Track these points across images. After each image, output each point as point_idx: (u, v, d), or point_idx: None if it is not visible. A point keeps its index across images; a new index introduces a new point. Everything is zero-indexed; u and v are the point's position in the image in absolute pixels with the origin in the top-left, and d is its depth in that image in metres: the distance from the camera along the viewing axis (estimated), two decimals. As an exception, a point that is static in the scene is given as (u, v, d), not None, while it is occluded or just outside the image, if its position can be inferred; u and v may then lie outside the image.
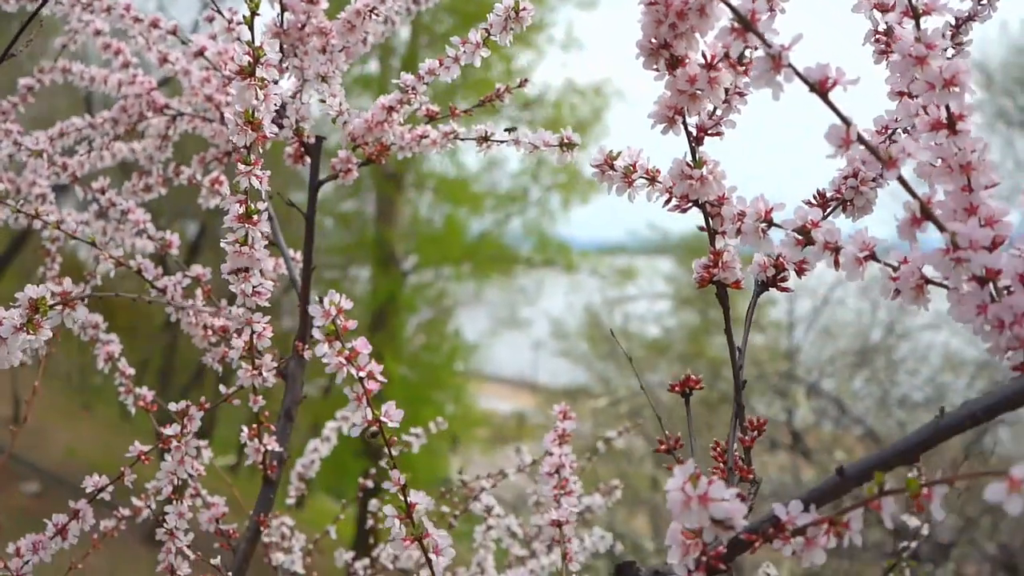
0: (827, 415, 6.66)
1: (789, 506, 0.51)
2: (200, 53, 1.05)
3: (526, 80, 0.99)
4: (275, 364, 0.90)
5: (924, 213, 0.51)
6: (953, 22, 0.69)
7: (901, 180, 0.50)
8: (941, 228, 0.50)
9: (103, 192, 1.12)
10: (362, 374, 0.61)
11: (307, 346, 0.97)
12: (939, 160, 0.54)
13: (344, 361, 0.61)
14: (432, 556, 0.63)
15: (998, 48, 9.22)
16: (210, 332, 1.01)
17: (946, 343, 7.29)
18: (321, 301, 0.59)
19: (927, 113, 0.54)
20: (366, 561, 1.39)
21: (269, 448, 0.96)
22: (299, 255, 1.09)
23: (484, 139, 0.93)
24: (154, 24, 1.09)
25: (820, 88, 0.50)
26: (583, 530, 1.38)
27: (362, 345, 0.62)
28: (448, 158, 11.99)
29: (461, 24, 11.17)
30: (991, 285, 0.50)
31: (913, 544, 1.08)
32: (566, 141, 0.84)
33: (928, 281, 0.54)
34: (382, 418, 0.62)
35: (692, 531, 0.52)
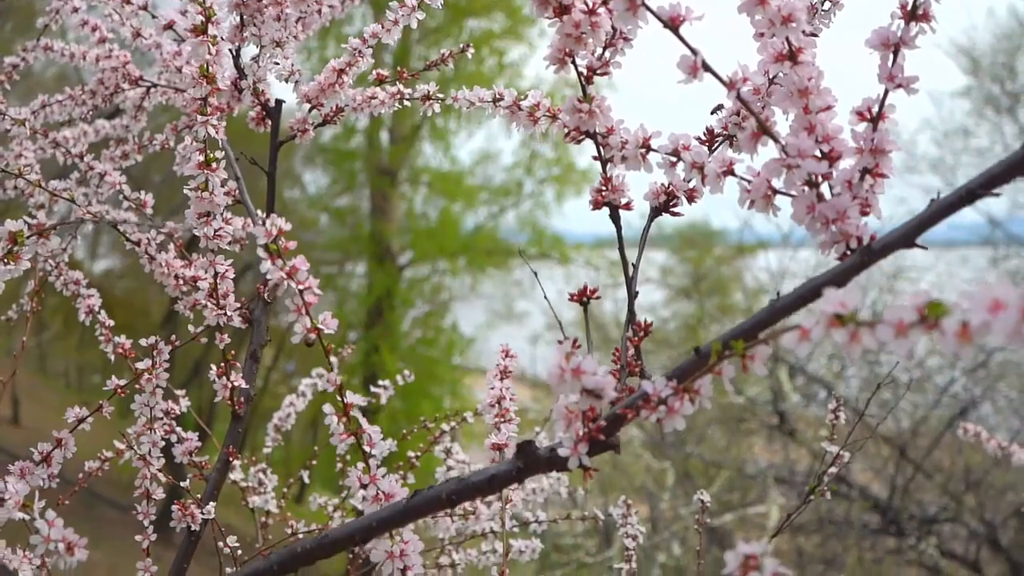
0: (815, 398, 6.77)
1: (655, 383, 0.60)
2: (169, 26, 1.14)
3: (468, 45, 1.07)
4: (238, 304, 0.99)
5: (762, 128, 0.60)
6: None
7: (740, 99, 0.59)
8: (776, 140, 0.59)
9: (82, 157, 1.20)
10: (302, 287, 0.70)
11: (267, 288, 1.06)
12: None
13: (285, 276, 0.70)
14: (367, 448, 0.72)
15: (984, 34, 9.29)
16: (181, 282, 1.10)
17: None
18: (263, 222, 0.69)
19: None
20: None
21: (236, 385, 1.05)
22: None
23: (427, 97, 1.02)
24: (126, 0, 1.18)
25: (672, 24, 0.59)
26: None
27: (300, 262, 0.71)
28: (442, 152, 12.07)
29: (452, 19, 11.26)
30: (819, 188, 0.59)
31: (832, 470, 1.17)
32: (498, 97, 0.93)
33: (775, 191, 0.63)
34: (320, 325, 0.71)
35: (574, 407, 0.61)
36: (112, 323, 1.19)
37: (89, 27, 1.28)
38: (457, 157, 12.16)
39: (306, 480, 1.47)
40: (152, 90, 1.28)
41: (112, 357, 1.15)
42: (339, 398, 0.73)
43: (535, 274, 1.00)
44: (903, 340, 0.42)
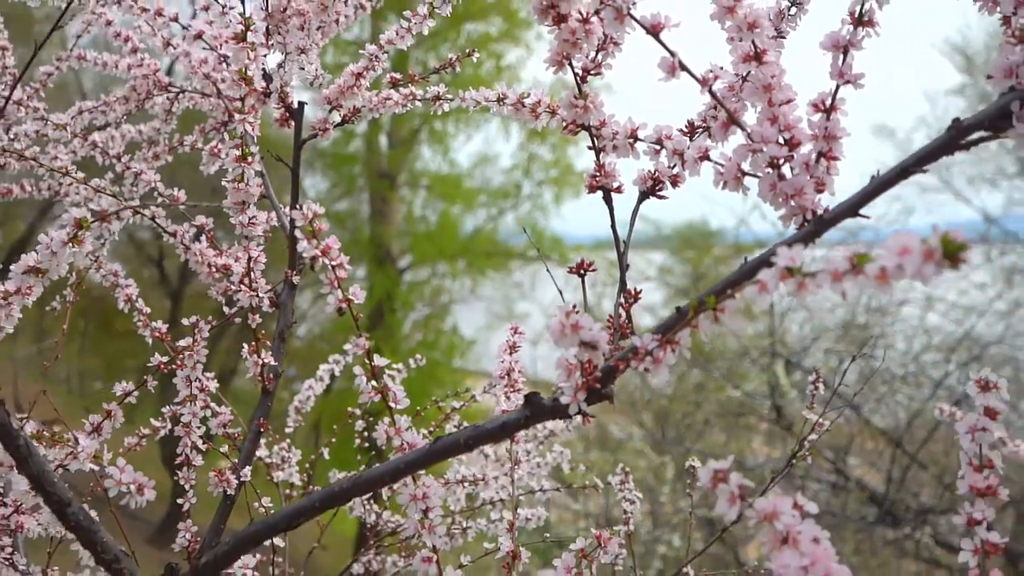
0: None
1: (643, 338, 0.70)
2: (199, 36, 1.24)
3: (474, 50, 1.18)
4: (269, 287, 1.10)
5: (730, 119, 0.70)
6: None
7: (711, 94, 0.70)
8: (743, 129, 0.70)
9: (119, 158, 1.31)
10: (334, 263, 0.81)
11: (297, 271, 1.16)
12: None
13: (320, 253, 0.80)
14: (392, 404, 0.83)
15: (978, 32, 9.39)
16: (213, 269, 1.20)
17: (925, 319, 7.51)
18: (300, 206, 0.79)
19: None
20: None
21: (266, 362, 1.15)
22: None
23: (437, 98, 1.12)
24: (159, 13, 1.28)
25: (654, 30, 0.69)
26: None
27: (333, 242, 0.81)
28: (441, 156, 12.18)
29: (450, 24, 11.37)
30: (780, 170, 0.69)
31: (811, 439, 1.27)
32: (502, 96, 1.03)
33: (744, 173, 0.73)
34: (350, 296, 0.81)
35: (574, 361, 0.72)
36: (148, 310, 1.30)
37: (122, 38, 1.38)
38: (456, 160, 12.26)
39: (326, 455, 1.57)
40: (180, 95, 1.38)
41: (150, 340, 1.25)
42: (367, 361, 0.83)
43: (546, 267, 1.10)
44: (838, 284, 0.52)
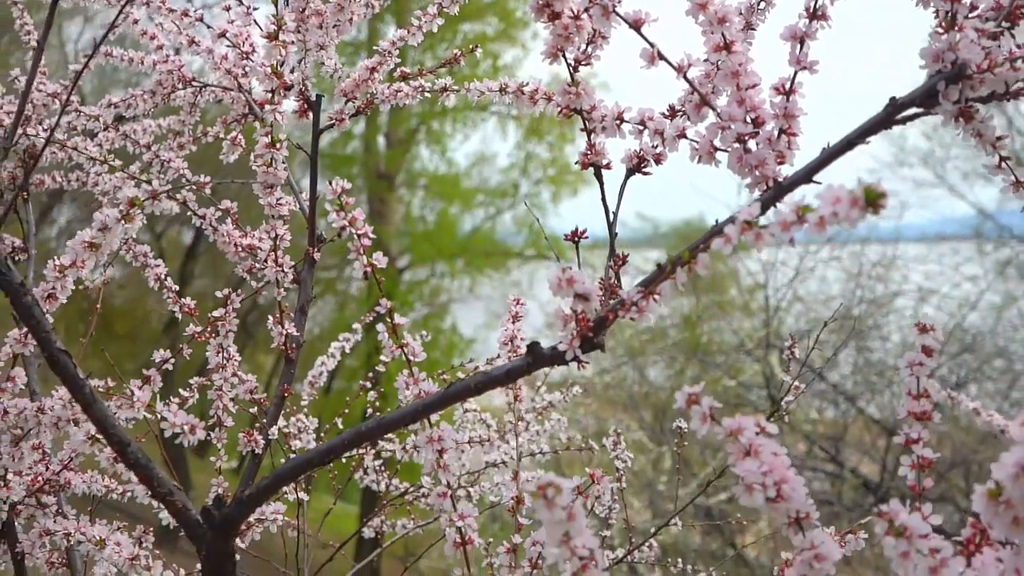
0: (805, 381, 6.97)
1: (629, 292, 0.81)
2: (222, 34, 1.35)
3: (476, 47, 1.29)
4: (293, 263, 1.21)
5: (702, 101, 0.81)
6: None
7: (686, 79, 0.81)
8: (713, 109, 0.81)
9: (148, 147, 1.42)
10: (360, 232, 0.92)
11: (317, 248, 1.27)
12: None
13: (347, 224, 0.91)
14: (410, 358, 0.94)
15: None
16: (239, 248, 1.31)
17: (919, 311, 7.64)
18: (330, 182, 0.90)
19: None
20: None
21: (289, 333, 1.26)
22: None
23: (444, 89, 1.23)
24: (184, 14, 1.39)
25: (636, 24, 0.80)
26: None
27: (359, 214, 0.92)
28: (438, 156, 12.29)
29: (447, 23, 11.49)
30: (746, 145, 0.80)
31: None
32: (503, 87, 1.14)
33: (715, 148, 0.84)
34: (373, 261, 0.92)
35: (569, 312, 0.82)
36: (176, 288, 1.40)
37: (148, 36, 1.49)
38: (453, 160, 12.36)
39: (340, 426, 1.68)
40: (203, 89, 1.49)
41: (179, 315, 1.36)
42: (389, 319, 0.94)
43: (555, 254, 1.21)
44: (786, 232, 0.63)
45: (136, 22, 1.49)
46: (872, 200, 0.57)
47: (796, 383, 1.40)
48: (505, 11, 11.51)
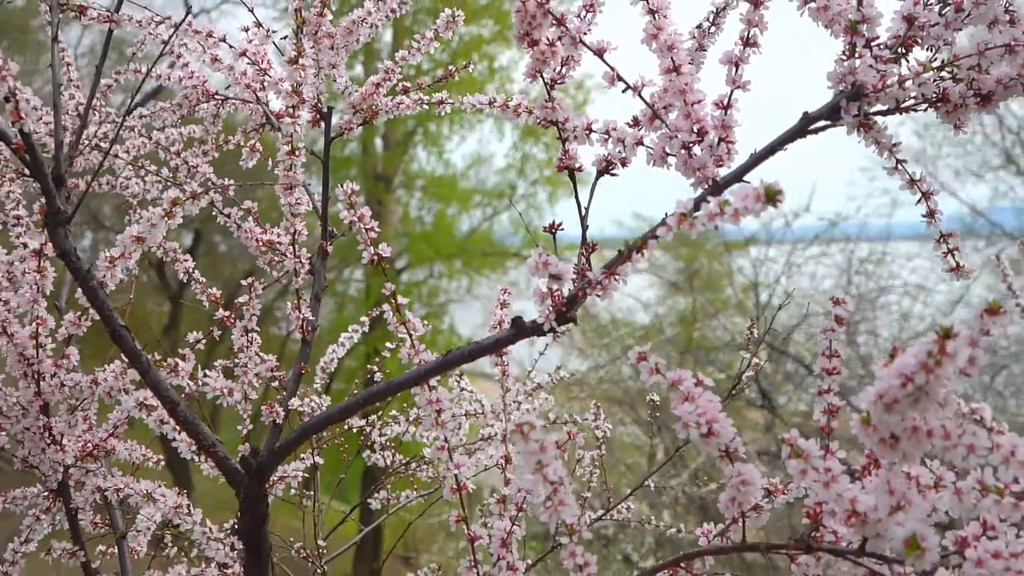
0: (797, 380, 7.16)
1: (595, 273, 0.98)
2: (243, 53, 1.52)
3: (469, 62, 1.46)
4: (309, 255, 1.37)
5: (654, 115, 0.98)
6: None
7: (640, 97, 0.98)
8: (663, 122, 0.98)
9: (178, 154, 1.59)
10: (367, 226, 1.08)
11: (329, 242, 1.44)
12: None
13: (356, 219, 1.08)
14: (411, 332, 1.10)
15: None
16: (260, 244, 1.48)
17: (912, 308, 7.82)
18: (341, 185, 1.07)
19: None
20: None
21: (306, 317, 1.43)
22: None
23: (441, 102, 1.40)
24: (209, 34, 1.56)
25: (599, 52, 0.97)
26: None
27: (366, 211, 1.09)
28: (435, 157, 12.44)
29: (443, 27, 11.67)
30: (691, 150, 0.98)
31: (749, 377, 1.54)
32: (492, 100, 1.31)
33: (667, 153, 1.01)
34: (379, 251, 1.09)
35: (546, 290, 0.99)
36: (204, 280, 1.57)
37: (175, 55, 1.66)
38: (451, 161, 12.51)
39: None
40: (225, 102, 1.66)
41: (207, 304, 1.53)
42: (393, 300, 1.11)
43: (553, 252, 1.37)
44: (712, 221, 0.80)
45: (165, 43, 1.66)
46: (771, 196, 0.74)
47: (756, 360, 1.56)
48: (501, 13, 11.65)
